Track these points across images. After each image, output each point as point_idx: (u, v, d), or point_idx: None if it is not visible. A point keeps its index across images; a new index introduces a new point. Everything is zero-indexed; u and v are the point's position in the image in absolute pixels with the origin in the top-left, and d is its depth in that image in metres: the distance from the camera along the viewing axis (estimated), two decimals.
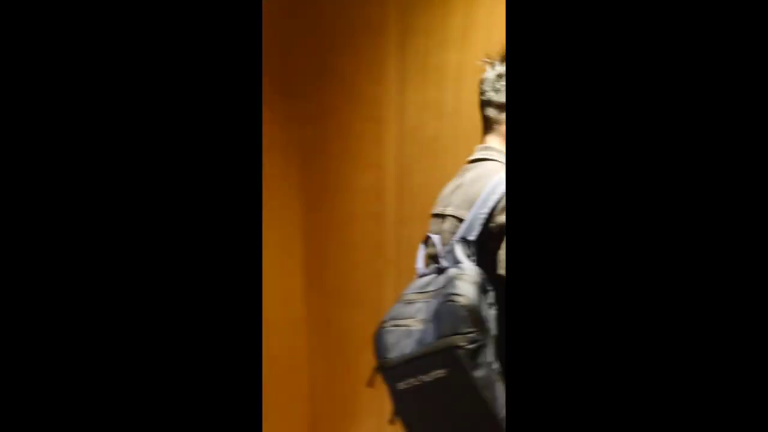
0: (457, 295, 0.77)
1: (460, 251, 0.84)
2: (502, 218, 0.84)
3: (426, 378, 0.76)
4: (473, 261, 0.83)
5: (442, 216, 0.95)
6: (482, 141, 1.00)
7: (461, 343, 0.75)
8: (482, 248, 0.84)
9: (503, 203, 0.84)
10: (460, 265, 0.82)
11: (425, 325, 0.79)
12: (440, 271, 0.86)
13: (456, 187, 0.96)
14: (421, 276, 0.90)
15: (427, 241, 0.94)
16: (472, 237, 0.85)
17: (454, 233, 0.88)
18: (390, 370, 0.81)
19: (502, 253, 0.82)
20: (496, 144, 0.98)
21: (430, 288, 0.84)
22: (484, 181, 0.89)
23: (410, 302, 0.85)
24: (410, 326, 0.81)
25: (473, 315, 0.76)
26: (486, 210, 0.85)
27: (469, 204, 0.88)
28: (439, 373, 0.75)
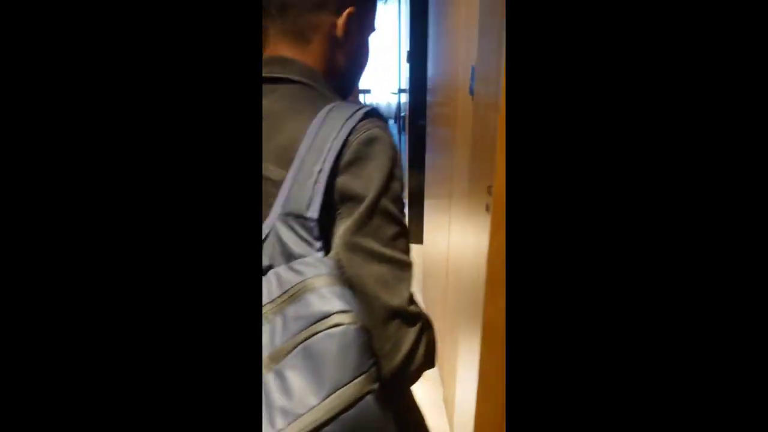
0: (340, 313, 0.46)
1: (290, 236, 0.52)
2: (346, 180, 0.54)
3: None
4: (319, 249, 0.52)
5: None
6: (267, 47, 0.64)
7: (369, 387, 0.46)
8: (323, 228, 0.53)
9: (351, 155, 0.54)
10: (304, 262, 0.50)
11: (278, 382, 0.47)
12: (265, 271, 0.53)
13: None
14: None
15: None
16: (312, 213, 0.52)
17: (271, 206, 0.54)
18: None
19: (338, 234, 0.53)
20: (292, 52, 0.62)
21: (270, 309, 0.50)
22: (299, 118, 0.57)
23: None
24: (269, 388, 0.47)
25: (370, 337, 0.48)
26: (327, 166, 0.53)
27: (287, 157, 0.55)
28: None
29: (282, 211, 0.53)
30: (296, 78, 0.61)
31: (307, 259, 0.50)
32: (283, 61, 0.62)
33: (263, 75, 0.62)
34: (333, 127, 0.54)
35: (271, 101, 0.60)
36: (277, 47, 0.63)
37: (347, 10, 0.63)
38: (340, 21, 0.63)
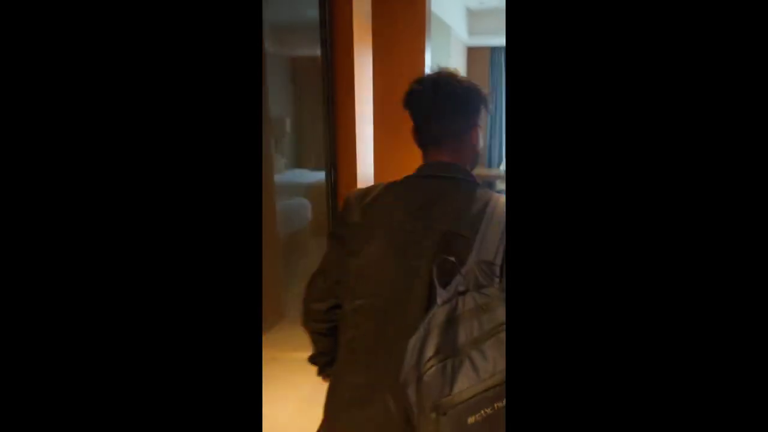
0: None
1: (481, 275, 0.82)
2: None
3: (498, 405, 0.74)
4: (499, 283, 0.82)
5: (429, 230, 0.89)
6: (429, 154, 1.00)
7: None
8: (501, 269, 0.84)
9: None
10: (490, 291, 0.80)
11: (479, 355, 0.77)
12: (461, 294, 0.83)
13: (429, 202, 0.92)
14: (445, 302, 0.82)
15: (443, 262, 0.84)
16: (497, 261, 0.84)
17: (457, 253, 0.84)
18: (457, 406, 0.75)
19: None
20: (450, 158, 0.98)
21: (464, 316, 0.80)
22: (477, 200, 0.90)
23: (446, 331, 0.79)
24: (462, 358, 0.77)
25: None
26: (503, 233, 0.85)
27: (471, 223, 0.87)
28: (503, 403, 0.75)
29: (476, 259, 0.84)
30: (459, 176, 0.96)
31: (491, 289, 0.82)
32: (447, 165, 0.98)
33: (431, 174, 0.98)
34: (503, 209, 0.87)
35: (447, 191, 0.94)
36: (439, 155, 0.99)
37: (475, 128, 1.01)
38: (474, 135, 1.01)
